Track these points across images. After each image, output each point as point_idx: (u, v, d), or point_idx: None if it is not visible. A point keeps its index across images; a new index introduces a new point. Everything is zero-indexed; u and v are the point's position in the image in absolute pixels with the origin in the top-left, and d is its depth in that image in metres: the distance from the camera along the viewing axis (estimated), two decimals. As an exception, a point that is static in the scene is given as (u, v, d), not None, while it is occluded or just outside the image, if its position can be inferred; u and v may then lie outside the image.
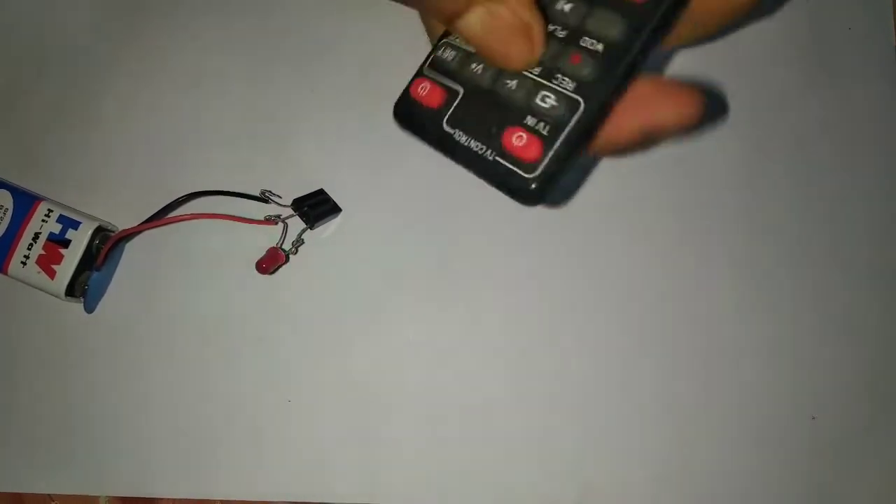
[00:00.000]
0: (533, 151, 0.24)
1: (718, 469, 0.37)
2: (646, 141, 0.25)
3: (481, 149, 0.26)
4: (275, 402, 0.37)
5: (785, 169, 0.39)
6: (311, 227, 0.38)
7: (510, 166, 0.25)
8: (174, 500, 0.37)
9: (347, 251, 0.38)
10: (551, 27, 0.25)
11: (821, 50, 0.40)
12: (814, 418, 0.37)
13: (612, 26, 0.23)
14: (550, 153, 0.24)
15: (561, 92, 0.24)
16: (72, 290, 0.37)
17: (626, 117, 0.24)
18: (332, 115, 0.39)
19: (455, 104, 0.26)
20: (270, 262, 0.37)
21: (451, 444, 0.37)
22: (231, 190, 0.37)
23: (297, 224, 0.37)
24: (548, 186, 0.25)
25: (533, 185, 0.25)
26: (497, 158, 0.25)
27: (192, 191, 0.37)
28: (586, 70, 0.24)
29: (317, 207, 0.37)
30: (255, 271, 0.37)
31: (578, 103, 0.24)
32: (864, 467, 0.37)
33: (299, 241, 0.38)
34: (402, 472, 0.37)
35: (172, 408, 0.37)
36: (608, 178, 0.39)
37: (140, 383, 0.38)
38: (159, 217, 0.37)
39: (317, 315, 0.38)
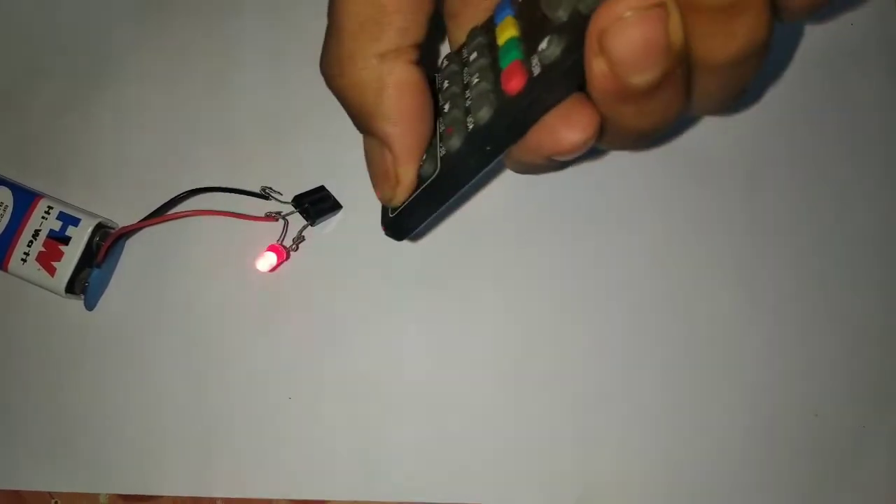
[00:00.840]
0: None
1: (720, 467, 0.37)
2: (551, 164, 0.25)
3: None
4: (275, 400, 0.37)
5: (785, 167, 0.39)
6: (312, 224, 0.37)
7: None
8: (174, 497, 0.37)
9: (348, 248, 0.38)
10: (462, 90, 0.27)
11: (821, 48, 0.39)
12: (816, 415, 0.37)
13: (483, 109, 0.25)
14: (406, 203, 0.28)
15: (434, 154, 0.27)
16: (72, 287, 0.36)
17: (530, 141, 0.25)
18: (333, 111, 0.39)
19: None
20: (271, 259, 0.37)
21: (450, 443, 0.37)
22: (231, 186, 0.37)
23: (297, 221, 0.37)
24: (400, 228, 0.29)
25: (389, 224, 0.29)
26: None
27: (193, 187, 0.37)
28: (451, 142, 0.26)
29: (318, 204, 0.37)
30: (256, 268, 0.37)
31: (436, 169, 0.26)
32: (867, 464, 0.37)
33: (300, 238, 0.38)
34: (402, 471, 0.37)
35: (173, 405, 0.37)
36: (608, 177, 0.39)
37: (140, 380, 0.38)
38: (159, 214, 0.37)
39: (318, 312, 0.38)
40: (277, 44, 0.40)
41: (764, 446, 0.37)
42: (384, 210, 0.30)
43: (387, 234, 0.30)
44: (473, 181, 0.27)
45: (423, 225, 0.29)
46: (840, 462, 0.37)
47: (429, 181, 0.27)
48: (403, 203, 0.28)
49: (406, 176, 0.27)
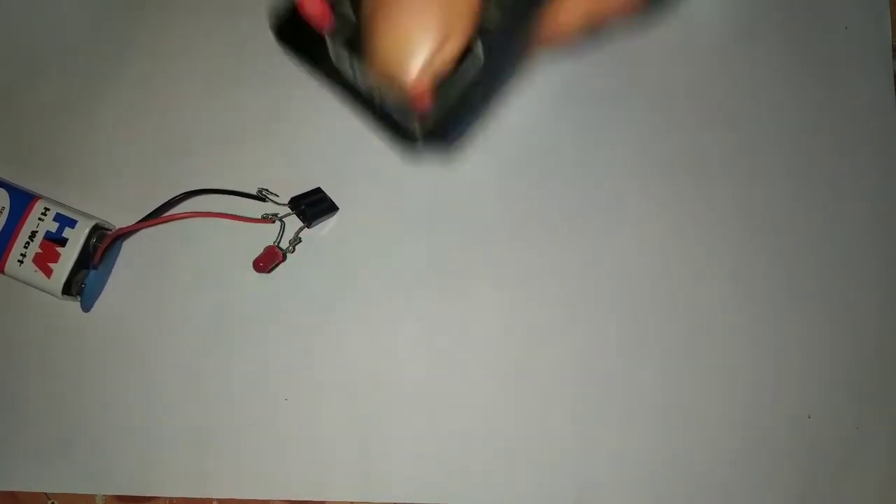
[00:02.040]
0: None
1: (716, 468, 0.37)
2: (592, 27, 0.25)
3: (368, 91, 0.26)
4: (272, 401, 0.37)
5: (781, 167, 0.39)
6: (309, 226, 0.38)
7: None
8: (171, 498, 0.37)
9: (345, 249, 0.38)
10: None
11: (818, 48, 0.40)
12: (809, 417, 0.37)
13: None
14: (451, 95, 0.24)
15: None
16: (68, 289, 0.36)
17: (570, 5, 0.24)
18: (330, 111, 0.39)
19: (346, 34, 0.25)
20: (268, 261, 0.37)
21: (449, 444, 0.37)
22: (228, 188, 0.37)
23: (294, 222, 0.37)
24: (445, 129, 0.25)
25: (430, 129, 0.25)
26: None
27: (190, 189, 0.37)
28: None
29: (314, 206, 0.37)
30: (253, 270, 0.37)
31: (473, 52, 0.24)
32: (862, 465, 0.37)
33: (296, 240, 0.38)
34: (399, 471, 0.37)
35: (169, 406, 0.37)
36: (606, 177, 0.39)
37: (137, 382, 0.38)
38: (156, 215, 0.37)
39: (314, 313, 0.38)
40: (275, 45, 0.40)
41: (759, 445, 0.37)
42: (412, 123, 0.26)
43: (427, 143, 0.25)
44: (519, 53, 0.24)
45: (469, 125, 0.26)
46: (835, 463, 0.37)
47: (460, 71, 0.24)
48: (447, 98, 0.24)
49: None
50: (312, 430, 0.37)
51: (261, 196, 0.37)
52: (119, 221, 0.38)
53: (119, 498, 0.37)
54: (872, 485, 0.37)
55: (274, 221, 0.37)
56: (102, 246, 0.36)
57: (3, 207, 0.36)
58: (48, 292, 0.37)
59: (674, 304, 0.38)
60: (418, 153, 0.26)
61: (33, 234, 0.36)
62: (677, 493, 0.37)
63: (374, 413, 0.37)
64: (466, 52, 0.24)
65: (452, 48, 0.22)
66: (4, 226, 0.36)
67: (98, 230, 0.37)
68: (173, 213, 0.37)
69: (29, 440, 0.38)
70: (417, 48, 0.22)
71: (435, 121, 0.25)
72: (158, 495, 0.37)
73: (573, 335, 0.38)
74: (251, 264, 0.37)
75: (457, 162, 0.39)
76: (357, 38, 0.25)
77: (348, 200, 0.38)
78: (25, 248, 0.36)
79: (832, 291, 0.38)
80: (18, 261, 0.36)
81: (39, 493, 0.37)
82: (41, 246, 0.36)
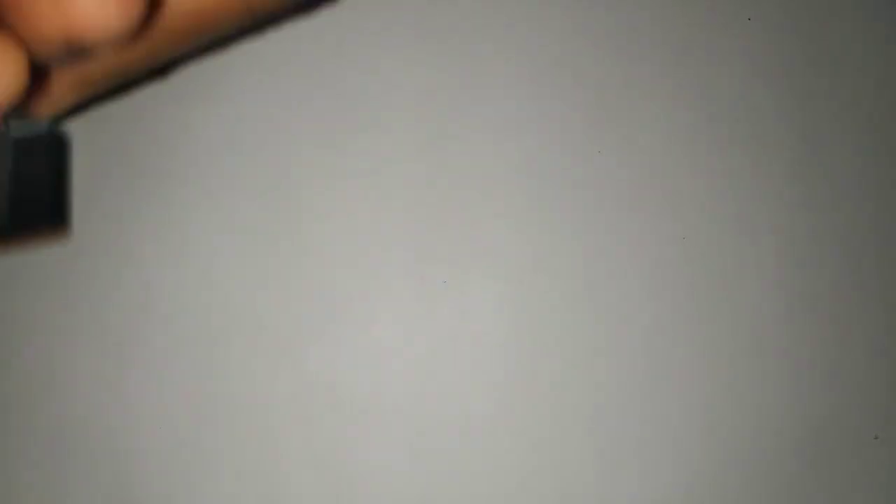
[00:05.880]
0: None
1: (722, 474, 0.35)
2: (74, 50, 0.19)
3: None
4: (210, 428, 0.35)
5: (783, 169, 0.39)
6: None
7: None
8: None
9: (299, 229, 0.37)
10: None
11: (818, 47, 0.41)
12: (876, 438, 0.36)
13: None
14: None
15: None
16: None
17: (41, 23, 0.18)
18: (328, 110, 0.39)
19: None
20: None
21: (436, 482, 0.34)
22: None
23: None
24: None
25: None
26: None
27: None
28: None
29: None
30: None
31: None
32: (869, 470, 0.35)
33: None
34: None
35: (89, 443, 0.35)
36: (607, 174, 0.39)
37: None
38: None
39: (269, 312, 0.36)
40: (273, 43, 0.42)
41: (764, 453, 0.35)
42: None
43: None
44: None
45: None
46: (841, 465, 0.35)
47: None
48: None
49: None
50: (262, 463, 0.35)
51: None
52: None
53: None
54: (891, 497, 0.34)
55: None
56: None
57: None
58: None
59: (677, 307, 0.37)
60: None
61: None
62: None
63: (343, 435, 0.34)
64: None
65: None
66: None
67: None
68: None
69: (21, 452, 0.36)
70: None
71: None
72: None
73: (577, 339, 0.36)
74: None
75: (444, 136, 0.39)
76: None
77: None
78: None
79: (844, 300, 0.38)
80: None
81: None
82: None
